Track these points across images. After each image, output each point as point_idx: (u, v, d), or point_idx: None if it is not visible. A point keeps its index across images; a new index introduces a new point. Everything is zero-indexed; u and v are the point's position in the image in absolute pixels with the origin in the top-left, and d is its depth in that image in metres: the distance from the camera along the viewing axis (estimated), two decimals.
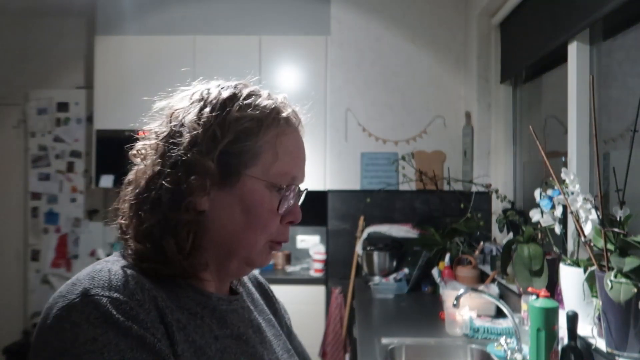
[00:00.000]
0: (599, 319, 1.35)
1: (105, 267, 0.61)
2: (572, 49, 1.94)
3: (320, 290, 3.11)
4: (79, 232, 3.74)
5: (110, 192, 3.72)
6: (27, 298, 3.76)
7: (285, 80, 3.25)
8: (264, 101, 0.69)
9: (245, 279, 0.84)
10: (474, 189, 2.95)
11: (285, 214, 0.70)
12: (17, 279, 3.79)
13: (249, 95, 0.69)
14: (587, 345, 1.36)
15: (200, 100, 0.69)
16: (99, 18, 3.38)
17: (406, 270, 2.78)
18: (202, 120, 0.66)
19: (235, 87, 0.71)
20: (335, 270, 3.19)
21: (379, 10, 3.25)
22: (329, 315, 3.09)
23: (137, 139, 0.72)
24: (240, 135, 0.66)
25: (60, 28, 3.82)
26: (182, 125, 0.66)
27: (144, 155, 0.69)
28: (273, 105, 0.70)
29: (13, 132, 3.82)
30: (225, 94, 0.68)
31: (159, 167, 0.65)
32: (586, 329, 1.43)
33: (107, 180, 3.33)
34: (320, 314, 3.09)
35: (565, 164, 1.96)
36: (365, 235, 3.01)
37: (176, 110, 0.69)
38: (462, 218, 2.90)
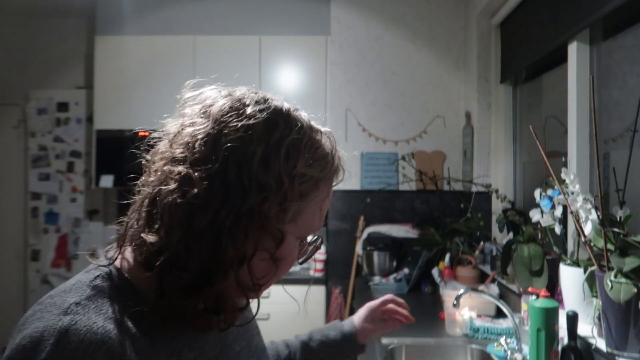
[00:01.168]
0: (599, 319, 1.35)
1: (78, 320, 0.51)
2: (572, 49, 1.94)
3: (320, 290, 3.11)
4: (79, 232, 3.73)
5: (110, 192, 3.72)
6: (27, 298, 3.76)
7: (285, 80, 3.25)
8: (324, 151, 0.62)
9: None
10: (474, 189, 2.95)
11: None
12: (17, 279, 3.79)
13: (311, 141, 0.61)
14: (587, 345, 1.36)
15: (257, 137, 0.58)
16: (99, 18, 3.38)
17: (406, 270, 2.78)
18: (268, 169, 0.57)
19: (295, 123, 0.62)
20: (335, 270, 3.19)
21: (379, 10, 3.25)
22: (329, 315, 3.09)
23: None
24: (296, 195, 0.59)
25: (60, 28, 3.82)
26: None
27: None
28: (330, 158, 0.63)
29: (13, 132, 3.82)
30: (292, 138, 0.59)
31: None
32: (586, 329, 1.43)
33: (107, 180, 3.33)
34: (320, 314, 3.09)
35: (565, 164, 1.96)
36: (365, 235, 3.01)
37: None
38: (462, 218, 2.90)
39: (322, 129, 0.66)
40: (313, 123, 0.65)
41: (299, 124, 0.62)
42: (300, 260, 0.66)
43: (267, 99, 0.62)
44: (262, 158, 0.56)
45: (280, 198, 0.57)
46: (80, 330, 0.50)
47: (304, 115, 0.65)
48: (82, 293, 0.55)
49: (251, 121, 0.58)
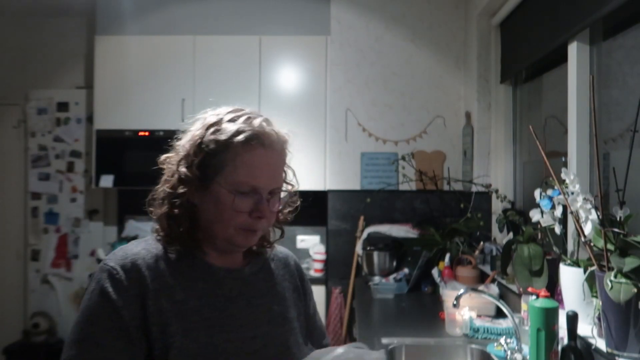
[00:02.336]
0: (599, 319, 1.35)
1: (130, 244, 0.93)
2: (572, 49, 1.94)
3: (320, 290, 3.10)
4: (79, 232, 3.73)
5: (110, 192, 3.72)
6: (27, 298, 3.76)
7: (285, 80, 3.25)
8: (230, 127, 0.89)
9: (273, 258, 1.06)
10: (474, 189, 2.95)
11: (254, 210, 0.90)
12: (17, 279, 3.79)
13: (221, 122, 0.90)
14: (587, 345, 1.36)
15: (200, 125, 0.93)
16: (99, 18, 3.38)
17: (406, 270, 2.78)
18: (192, 141, 0.91)
19: (226, 114, 0.92)
20: (335, 270, 3.19)
21: (379, 10, 3.25)
22: (329, 315, 3.09)
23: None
24: (209, 153, 0.89)
25: (60, 28, 3.82)
26: (182, 145, 0.93)
27: (164, 165, 0.95)
28: (235, 130, 0.89)
29: (13, 132, 3.82)
30: (211, 119, 0.92)
31: (164, 175, 0.94)
32: (586, 329, 1.43)
33: (107, 180, 3.33)
34: (321, 314, 3.08)
35: (565, 164, 1.96)
36: (365, 235, 3.01)
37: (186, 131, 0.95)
38: (462, 218, 2.90)
39: (241, 120, 0.91)
40: (243, 117, 0.92)
41: (228, 115, 0.92)
42: (240, 209, 0.89)
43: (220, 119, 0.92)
44: (192, 137, 0.92)
45: (193, 157, 0.90)
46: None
47: (242, 115, 0.92)
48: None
49: (204, 122, 0.94)
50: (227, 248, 0.95)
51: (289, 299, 1.03)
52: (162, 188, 0.93)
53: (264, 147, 0.90)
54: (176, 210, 0.90)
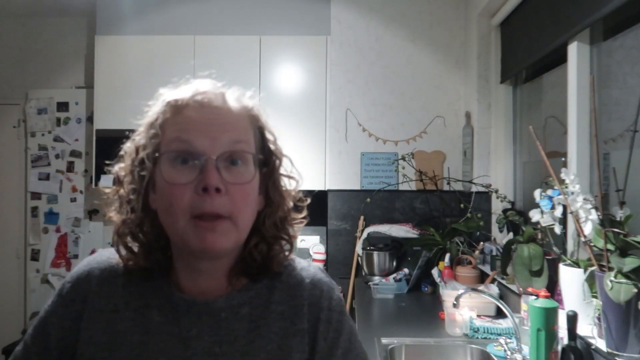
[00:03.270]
0: (599, 319, 1.35)
1: (105, 250, 0.80)
2: (572, 49, 1.94)
3: None
4: (79, 232, 3.74)
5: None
6: (27, 298, 3.76)
7: (285, 80, 3.25)
8: (161, 97, 0.74)
9: (278, 286, 0.76)
10: (474, 189, 2.95)
11: (197, 183, 0.65)
12: (17, 279, 3.79)
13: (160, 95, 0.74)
14: (587, 345, 1.36)
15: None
16: (99, 18, 3.38)
17: (406, 270, 2.78)
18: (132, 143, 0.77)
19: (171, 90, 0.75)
20: (335, 270, 3.19)
21: (379, 10, 3.25)
22: None
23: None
24: (147, 132, 0.72)
25: (60, 28, 3.82)
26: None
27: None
28: (163, 99, 0.73)
29: (13, 132, 3.82)
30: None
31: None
32: (586, 329, 1.43)
33: (107, 180, 3.32)
34: None
35: (565, 164, 1.96)
36: (365, 235, 3.01)
37: None
38: (462, 218, 2.90)
39: (166, 100, 0.73)
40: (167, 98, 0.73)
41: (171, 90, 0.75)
42: (169, 179, 0.67)
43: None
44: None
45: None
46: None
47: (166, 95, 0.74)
48: None
49: None
50: (193, 262, 0.71)
51: (275, 350, 0.71)
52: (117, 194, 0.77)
53: (200, 104, 0.69)
54: (139, 218, 0.73)
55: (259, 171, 0.72)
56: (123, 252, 0.74)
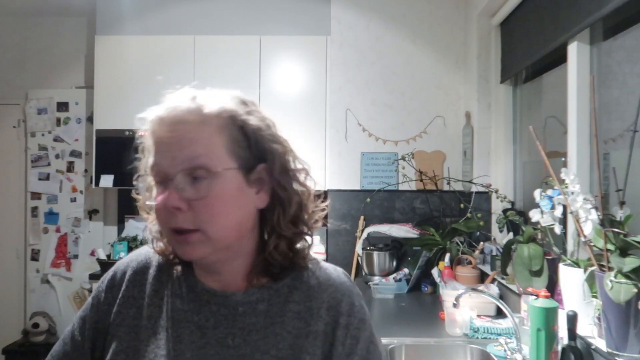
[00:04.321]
0: (599, 319, 1.35)
1: (133, 251, 0.87)
2: (572, 49, 1.94)
3: None
4: (79, 232, 3.73)
5: (110, 191, 3.72)
6: (27, 298, 3.76)
7: (285, 80, 3.25)
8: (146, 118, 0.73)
9: (298, 286, 0.76)
10: (474, 189, 2.95)
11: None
12: (17, 279, 3.79)
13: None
14: (587, 345, 1.36)
15: None
16: (99, 18, 3.38)
17: (406, 270, 2.78)
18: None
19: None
20: None
21: (379, 10, 3.25)
22: None
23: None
24: (141, 153, 0.76)
25: (60, 28, 3.82)
26: None
27: None
28: (147, 117, 0.73)
29: (13, 132, 3.82)
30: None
31: None
32: (586, 329, 1.43)
33: (107, 180, 3.33)
34: None
35: (565, 164, 1.96)
36: (365, 235, 3.01)
37: None
38: (462, 218, 2.90)
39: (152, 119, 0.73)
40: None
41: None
42: (148, 202, 0.75)
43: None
44: None
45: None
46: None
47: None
48: None
49: None
50: (202, 265, 0.78)
51: (286, 348, 0.71)
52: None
53: (163, 122, 0.70)
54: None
55: (251, 171, 0.72)
56: (154, 247, 0.81)
